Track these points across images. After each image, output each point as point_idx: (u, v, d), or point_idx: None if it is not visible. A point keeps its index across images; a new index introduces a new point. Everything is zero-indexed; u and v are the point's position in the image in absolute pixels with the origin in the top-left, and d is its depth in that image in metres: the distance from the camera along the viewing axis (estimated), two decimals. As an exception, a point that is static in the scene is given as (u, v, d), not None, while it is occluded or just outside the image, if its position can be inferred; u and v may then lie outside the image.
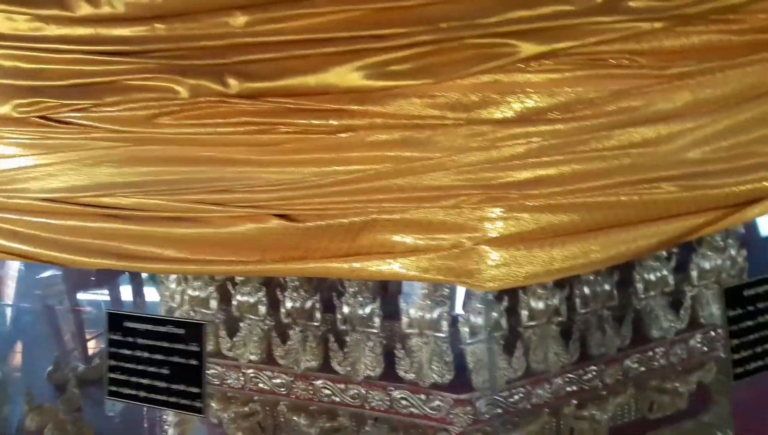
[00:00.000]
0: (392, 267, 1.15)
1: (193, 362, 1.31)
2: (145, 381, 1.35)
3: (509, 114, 1.09)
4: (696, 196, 1.18)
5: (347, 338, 1.63)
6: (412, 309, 1.59)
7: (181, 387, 1.31)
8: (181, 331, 1.32)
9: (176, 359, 1.31)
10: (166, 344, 1.33)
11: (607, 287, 1.73)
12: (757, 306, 1.32)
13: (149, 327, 1.35)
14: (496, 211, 1.11)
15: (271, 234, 1.19)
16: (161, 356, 1.34)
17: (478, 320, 1.61)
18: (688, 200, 1.18)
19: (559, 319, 1.66)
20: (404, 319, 1.58)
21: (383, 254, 1.16)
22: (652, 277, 1.78)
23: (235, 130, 1.18)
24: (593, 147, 1.11)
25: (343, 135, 1.14)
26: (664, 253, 1.77)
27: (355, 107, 1.12)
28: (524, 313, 1.64)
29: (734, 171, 1.19)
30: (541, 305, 1.66)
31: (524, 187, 1.11)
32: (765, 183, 1.22)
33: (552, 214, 1.12)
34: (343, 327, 1.63)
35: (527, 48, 1.06)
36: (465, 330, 1.60)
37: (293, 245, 1.21)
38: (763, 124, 1.20)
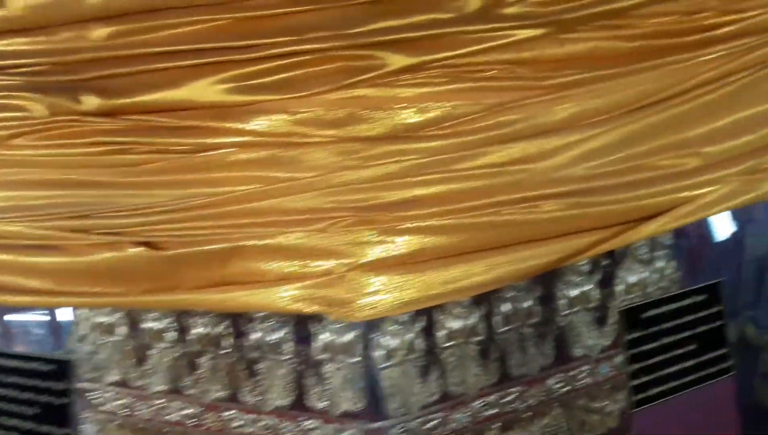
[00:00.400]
0: (261, 297, 1.08)
1: (62, 401, 1.21)
2: (12, 422, 1.25)
3: (380, 131, 1.02)
4: (584, 213, 1.11)
5: (258, 366, 1.57)
6: (324, 333, 1.52)
7: (49, 428, 1.21)
8: (51, 367, 1.22)
9: (45, 398, 1.21)
10: (34, 382, 1.23)
11: (528, 304, 1.69)
12: (661, 327, 1.27)
13: (17, 364, 1.25)
14: (369, 235, 1.03)
15: (133, 263, 1.10)
16: (31, 395, 1.23)
17: (393, 343, 1.56)
18: (576, 218, 1.11)
19: (478, 338, 1.61)
20: (315, 344, 1.52)
21: (253, 283, 1.08)
22: (574, 292, 1.74)
23: (92, 150, 1.10)
24: (470, 164, 1.04)
25: (205, 154, 1.06)
26: (587, 268, 1.73)
27: (217, 124, 1.04)
28: (441, 333, 1.58)
29: (627, 186, 1.13)
30: (458, 324, 1.60)
31: (398, 209, 1.03)
32: (662, 197, 1.16)
33: (429, 236, 1.05)
34: (254, 354, 1.56)
35: (397, 60, 0.99)
36: (379, 354, 1.55)
37: (160, 275, 1.12)
38: (657, 134, 1.14)
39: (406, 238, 1.04)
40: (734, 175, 1.24)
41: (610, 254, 1.64)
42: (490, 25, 1.01)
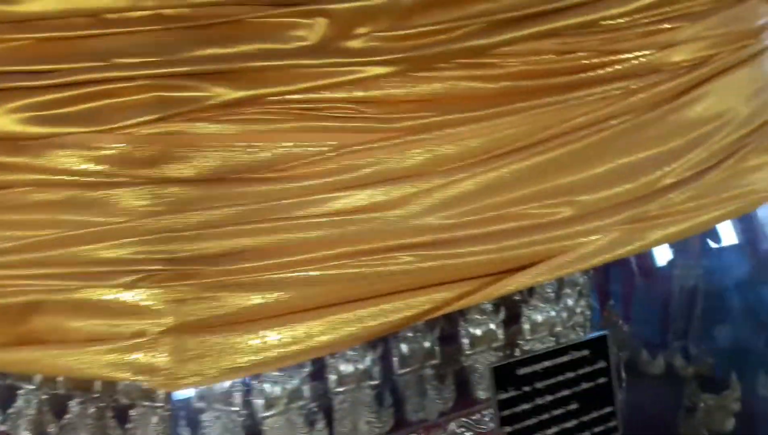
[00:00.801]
0: (70, 360, 0.93)
1: None
2: None
3: (200, 172, 0.89)
4: (444, 265, 1.01)
5: (130, 413, 1.42)
6: (201, 379, 1.39)
7: None
8: None
9: None
10: None
11: (428, 344, 1.59)
12: (535, 386, 1.17)
13: None
14: (188, 291, 0.90)
15: None
16: None
17: (276, 390, 1.43)
18: (432, 271, 1.01)
19: (373, 382, 1.50)
20: (195, 390, 1.38)
21: (61, 344, 0.94)
22: (478, 331, 1.66)
23: None
24: (309, 212, 0.93)
25: (-3, 193, 0.91)
26: (490, 306, 1.65)
27: (11, 159, 0.89)
28: (332, 377, 1.47)
29: (492, 236, 1.03)
30: (350, 368, 1.49)
31: (223, 262, 0.91)
32: (534, 248, 1.06)
33: (260, 292, 0.92)
34: (125, 399, 1.40)
35: (221, 93, 0.86)
36: (260, 402, 1.42)
37: None
38: (525, 182, 1.04)
39: (234, 295, 0.92)
40: (615, 225, 1.15)
41: (518, 291, 1.59)
42: (331, 60, 0.89)
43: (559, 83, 1.05)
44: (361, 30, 0.91)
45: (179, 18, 0.85)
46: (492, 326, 1.63)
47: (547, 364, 1.20)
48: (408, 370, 1.51)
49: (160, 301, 0.90)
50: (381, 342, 1.50)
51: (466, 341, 1.58)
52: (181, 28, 0.86)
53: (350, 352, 1.47)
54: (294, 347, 0.95)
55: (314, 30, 0.88)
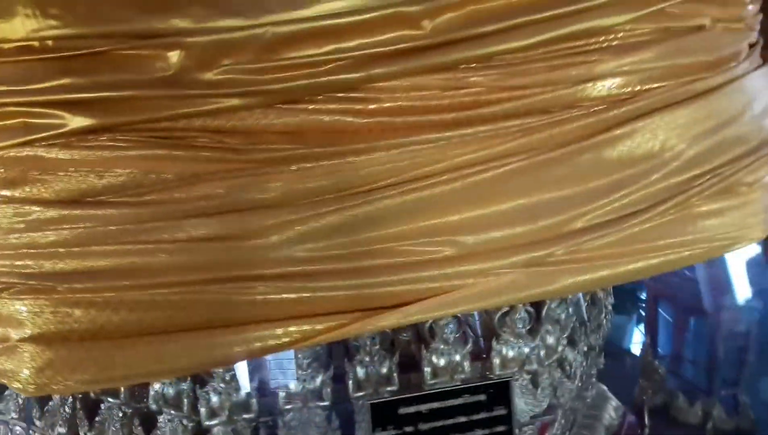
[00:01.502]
0: None
1: None
2: None
3: (57, 194, 0.94)
4: (308, 298, 1.01)
5: (98, 410, 1.49)
6: (157, 383, 1.45)
7: None
8: None
9: None
10: None
11: (385, 370, 1.56)
12: (419, 427, 1.12)
13: None
14: (42, 305, 0.95)
15: None
16: None
17: (220, 400, 1.47)
18: (295, 303, 1.01)
19: (323, 403, 1.50)
20: (151, 392, 1.44)
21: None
22: (441, 361, 1.61)
23: None
24: (161, 237, 0.95)
25: None
26: (451, 336, 1.60)
27: None
28: (281, 395, 1.48)
29: (355, 272, 1.02)
30: (299, 387, 1.50)
31: (74, 279, 0.95)
32: (408, 286, 1.03)
33: (110, 311, 0.96)
34: (93, 396, 1.48)
35: (77, 120, 0.92)
36: (204, 410, 1.46)
37: None
38: (399, 219, 1.02)
39: (83, 311, 0.96)
40: (510, 267, 1.10)
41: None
42: (183, 91, 0.92)
43: (444, 120, 1.02)
44: (223, 62, 0.93)
45: (45, 50, 0.91)
46: (456, 357, 1.59)
47: (435, 405, 1.16)
48: (362, 394, 1.50)
49: (19, 311, 0.96)
50: (334, 364, 1.49)
51: (428, 370, 1.55)
52: (45, 59, 0.91)
53: (300, 371, 1.48)
54: (143, 368, 0.98)
55: (171, 62, 0.91)
